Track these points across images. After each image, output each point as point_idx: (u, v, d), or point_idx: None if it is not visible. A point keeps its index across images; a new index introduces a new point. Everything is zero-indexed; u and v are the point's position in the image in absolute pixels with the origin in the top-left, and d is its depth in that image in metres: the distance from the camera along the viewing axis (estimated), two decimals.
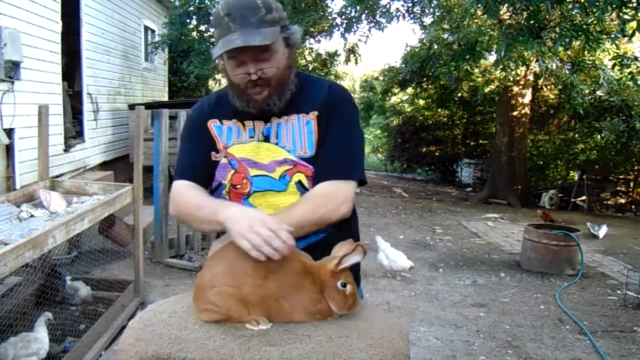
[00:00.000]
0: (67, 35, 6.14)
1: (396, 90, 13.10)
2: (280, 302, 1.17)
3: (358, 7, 7.71)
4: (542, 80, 9.50)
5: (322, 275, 1.19)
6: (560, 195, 9.84)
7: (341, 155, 1.33)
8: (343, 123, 1.35)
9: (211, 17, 1.30)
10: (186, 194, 1.36)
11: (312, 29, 8.28)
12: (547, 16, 5.69)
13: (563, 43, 5.12)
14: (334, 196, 1.30)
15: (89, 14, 6.61)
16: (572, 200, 9.81)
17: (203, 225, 1.34)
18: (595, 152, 10.59)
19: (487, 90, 10.29)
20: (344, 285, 1.20)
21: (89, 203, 3.08)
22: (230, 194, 1.37)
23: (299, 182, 1.33)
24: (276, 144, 1.34)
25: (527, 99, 9.73)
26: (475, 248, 5.99)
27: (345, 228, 1.37)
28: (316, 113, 1.35)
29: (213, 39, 8.33)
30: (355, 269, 1.33)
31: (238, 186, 1.36)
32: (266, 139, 1.35)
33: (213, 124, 1.40)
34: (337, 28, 8.48)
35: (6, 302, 2.80)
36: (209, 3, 8.01)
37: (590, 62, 8.20)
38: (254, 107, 1.33)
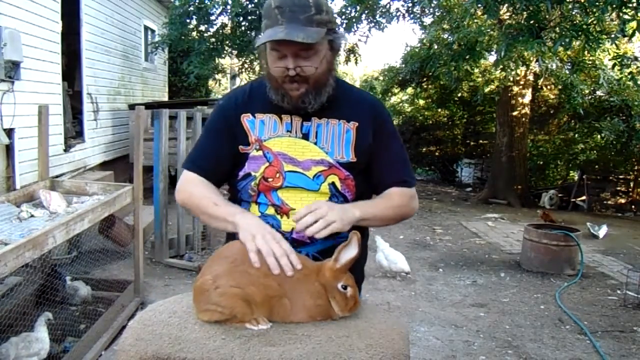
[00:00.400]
0: (67, 35, 6.14)
1: (396, 90, 13.10)
2: (283, 302, 1.17)
3: (358, 7, 7.70)
4: (542, 80, 9.49)
5: (322, 276, 1.20)
6: (560, 195, 9.84)
7: (402, 167, 1.46)
8: (394, 138, 1.46)
9: (263, 8, 1.34)
10: (200, 187, 1.39)
11: None
12: (547, 16, 5.68)
13: (563, 43, 5.12)
14: (411, 198, 1.45)
15: (89, 14, 6.61)
16: (572, 200, 9.81)
17: (215, 222, 1.36)
18: (595, 152, 10.59)
19: (487, 90, 10.29)
20: (345, 288, 1.20)
21: (89, 203, 3.08)
22: (259, 185, 1.38)
23: (332, 184, 1.37)
24: (315, 143, 1.37)
25: (527, 99, 9.73)
26: (475, 248, 5.99)
27: (364, 230, 1.44)
28: (357, 124, 1.39)
29: (213, 39, 8.34)
30: (357, 269, 1.34)
31: (270, 179, 1.37)
32: (305, 136, 1.38)
33: (246, 119, 1.40)
34: (337, 28, 8.46)
35: (6, 302, 2.80)
36: (209, 3, 8.00)
37: (590, 62, 8.19)
38: (288, 102, 1.34)
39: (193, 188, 1.40)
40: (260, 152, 1.38)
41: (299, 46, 1.26)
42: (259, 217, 1.35)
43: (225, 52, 8.53)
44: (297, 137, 1.37)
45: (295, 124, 1.38)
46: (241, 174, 1.40)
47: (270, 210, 1.37)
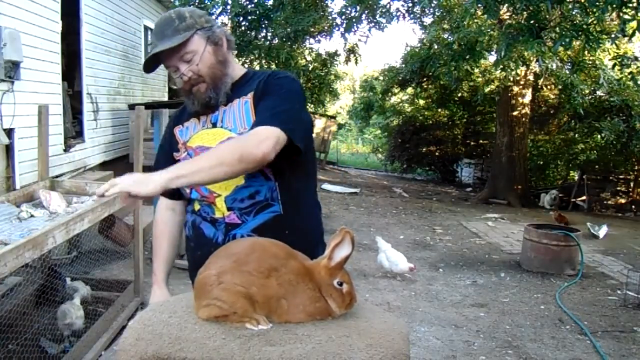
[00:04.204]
0: (67, 35, 6.14)
1: (396, 90, 13.11)
2: (281, 302, 1.17)
3: (358, 7, 7.71)
4: (542, 80, 9.50)
5: (318, 274, 1.20)
6: (560, 195, 9.85)
7: (267, 112, 1.37)
8: (274, 90, 1.44)
9: None
10: (159, 226, 1.63)
11: (312, 29, 8.28)
12: (547, 16, 5.69)
13: (563, 43, 5.12)
14: (255, 133, 1.32)
15: (89, 14, 6.61)
16: (572, 200, 9.82)
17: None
18: (595, 152, 10.60)
19: (487, 90, 10.29)
20: (340, 284, 1.20)
21: (89, 203, 3.08)
22: None
23: None
24: (222, 127, 1.47)
25: (527, 99, 9.73)
26: (475, 248, 5.99)
27: (299, 209, 1.45)
28: (252, 93, 1.46)
29: None
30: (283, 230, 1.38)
31: None
32: (214, 125, 1.48)
33: (177, 130, 1.57)
34: (337, 28, 8.48)
35: (6, 302, 2.80)
36: (209, 3, 8.01)
37: (590, 62, 8.20)
38: (196, 103, 1.47)
39: (156, 224, 1.64)
40: (185, 153, 1.52)
41: (175, 54, 1.40)
42: (198, 209, 1.48)
43: None
44: (208, 127, 1.48)
45: (207, 117, 1.49)
46: None
47: (204, 201, 1.47)
